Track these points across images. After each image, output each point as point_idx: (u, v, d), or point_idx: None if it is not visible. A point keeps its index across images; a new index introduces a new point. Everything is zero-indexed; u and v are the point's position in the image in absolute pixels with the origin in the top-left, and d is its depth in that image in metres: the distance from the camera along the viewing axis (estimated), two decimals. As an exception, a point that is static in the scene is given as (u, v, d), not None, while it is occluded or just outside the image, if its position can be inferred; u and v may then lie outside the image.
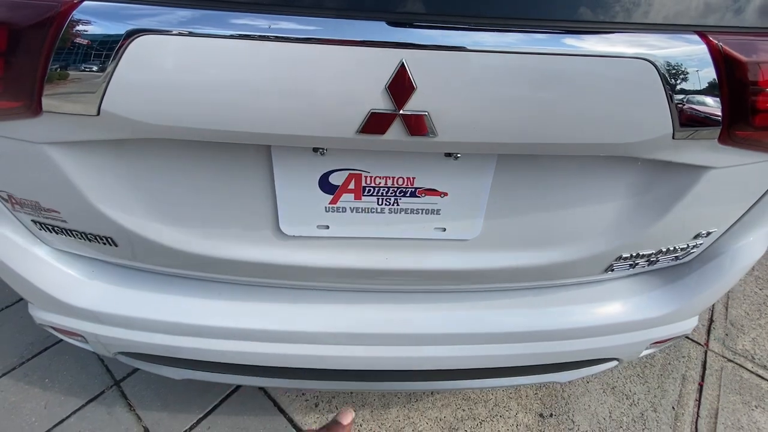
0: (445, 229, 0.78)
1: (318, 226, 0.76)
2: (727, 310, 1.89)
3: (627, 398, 1.52)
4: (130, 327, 0.83)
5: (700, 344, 1.73)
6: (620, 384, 1.56)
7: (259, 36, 0.51)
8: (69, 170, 0.65)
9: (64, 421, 1.34)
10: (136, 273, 0.87)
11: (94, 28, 0.51)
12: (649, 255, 0.84)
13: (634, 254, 0.82)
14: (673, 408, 1.50)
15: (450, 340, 0.85)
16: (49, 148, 0.63)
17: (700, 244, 0.85)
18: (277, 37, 0.51)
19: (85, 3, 0.51)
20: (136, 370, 1.48)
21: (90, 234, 0.76)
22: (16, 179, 0.71)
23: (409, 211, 0.76)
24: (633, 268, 0.87)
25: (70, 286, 0.83)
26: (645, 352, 1.07)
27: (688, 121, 0.58)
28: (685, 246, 0.84)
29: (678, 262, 0.90)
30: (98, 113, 0.55)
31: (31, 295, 0.85)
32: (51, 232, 0.79)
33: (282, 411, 1.40)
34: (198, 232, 0.75)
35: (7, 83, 0.57)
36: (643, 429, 1.43)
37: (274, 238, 0.77)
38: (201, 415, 1.37)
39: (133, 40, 0.50)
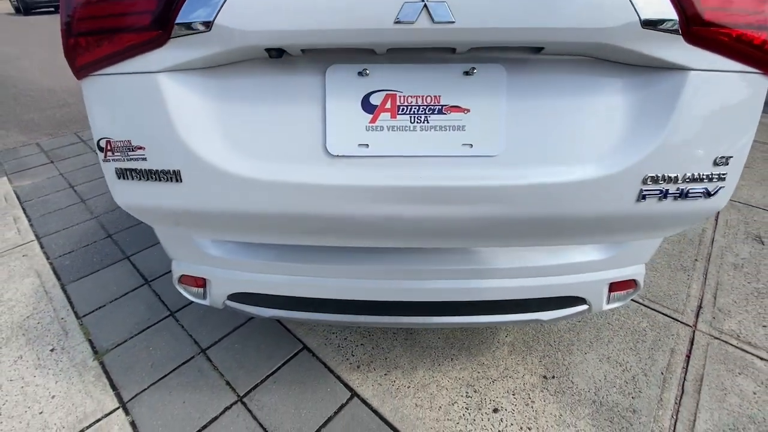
0: (471, 145, 0.90)
1: (359, 145, 0.90)
2: (715, 299, 2.14)
3: (620, 366, 1.78)
4: (244, 269, 1.25)
5: (689, 326, 1.98)
6: (615, 354, 1.83)
7: None
8: (168, 96, 0.85)
9: (168, 374, 1.74)
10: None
11: None
12: (676, 179, 0.90)
13: (660, 176, 0.89)
14: (662, 373, 1.74)
15: (453, 275, 1.22)
16: (159, 76, 0.84)
17: (724, 174, 0.91)
18: None
19: None
20: (220, 340, 1.89)
21: (162, 171, 0.92)
22: (120, 118, 0.90)
23: (437, 128, 0.89)
24: (664, 198, 0.92)
25: (207, 240, 1.27)
26: (612, 305, 1.38)
27: (647, 9, 0.76)
28: (709, 174, 0.90)
29: (709, 199, 0.94)
30: (211, 28, 0.78)
31: (179, 249, 1.29)
32: (128, 179, 0.96)
33: (331, 371, 1.75)
34: (258, 157, 0.91)
35: (154, 16, 0.81)
36: (635, 389, 1.68)
37: (322, 159, 0.91)
38: (269, 373, 1.74)
39: None
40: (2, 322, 2.03)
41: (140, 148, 0.92)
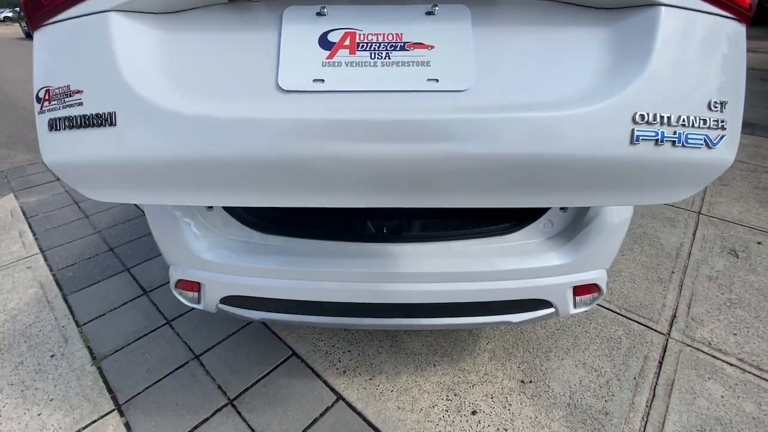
0: (437, 80, 0.86)
1: (314, 80, 0.86)
2: (689, 309, 2.23)
3: (595, 371, 1.86)
4: (235, 273, 1.37)
5: (662, 334, 2.07)
6: (590, 360, 1.91)
7: None
8: (116, 35, 0.83)
9: (163, 378, 1.82)
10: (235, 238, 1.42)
11: None
12: (669, 120, 0.86)
13: (652, 116, 0.85)
14: (634, 378, 1.83)
15: (422, 279, 1.33)
16: (111, 13, 0.84)
17: (723, 122, 0.88)
18: None
19: None
20: (213, 347, 1.97)
21: (97, 115, 0.87)
22: (63, 64, 0.89)
23: (400, 64, 0.86)
24: (661, 143, 0.87)
25: (200, 245, 1.39)
26: (578, 309, 1.49)
27: None
28: (706, 119, 0.87)
29: (712, 150, 0.89)
30: None
31: (176, 254, 1.41)
32: (62, 129, 0.91)
33: (318, 375, 1.83)
34: (204, 95, 0.87)
35: None
36: (608, 392, 1.76)
37: (273, 94, 0.87)
38: (258, 377, 1.82)
39: None
40: (5, 330, 2.12)
41: (78, 92, 0.88)
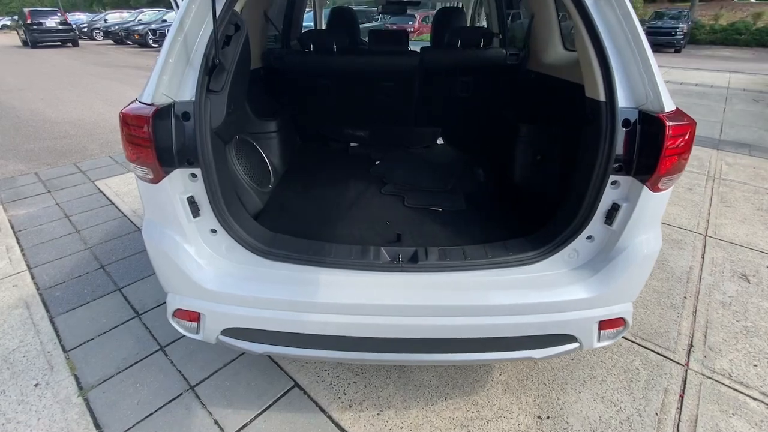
0: None
1: None
2: (705, 337, 2.16)
3: (615, 405, 1.77)
4: (238, 304, 1.27)
5: (681, 364, 1.99)
6: (609, 394, 1.82)
7: None
8: None
9: (155, 412, 1.69)
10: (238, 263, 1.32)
11: None
12: None
13: None
14: (656, 414, 1.73)
15: (439, 312, 1.24)
16: None
17: None
18: None
19: None
20: (210, 376, 1.85)
21: None
22: None
23: None
24: None
25: (201, 273, 1.29)
26: (602, 343, 1.41)
27: None
28: None
29: None
30: None
31: (174, 281, 1.31)
32: None
33: (322, 410, 1.72)
34: None
35: None
36: (630, 430, 1.67)
37: None
38: (258, 412, 1.70)
39: None
40: (-14, 356, 1.98)
41: None
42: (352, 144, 2.78)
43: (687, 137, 1.14)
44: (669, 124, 1.09)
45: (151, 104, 1.14)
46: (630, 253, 1.25)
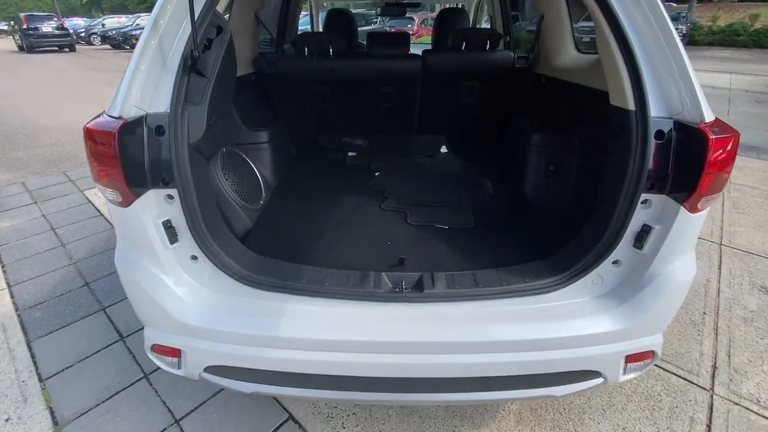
0: None
1: None
2: (729, 358, 2.01)
3: (637, 438, 1.62)
4: (222, 340, 1.13)
5: (705, 389, 1.84)
6: (630, 425, 1.67)
7: None
8: None
9: (132, 454, 1.54)
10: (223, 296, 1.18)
11: None
12: None
13: None
14: (683, 447, 1.59)
15: (450, 349, 1.10)
16: None
17: None
18: None
19: None
20: (197, 408, 1.70)
21: None
22: None
23: None
24: None
25: (181, 306, 1.15)
26: (628, 376, 1.27)
27: None
28: None
29: None
30: None
31: (151, 316, 1.17)
32: None
33: (319, 446, 1.57)
34: None
35: None
36: (656, 466, 1.52)
37: None
38: (249, 449, 1.56)
39: None
40: (-45, 386, 1.83)
41: None
42: (350, 153, 2.62)
43: (730, 150, 1.00)
44: (713, 137, 0.96)
45: (119, 118, 1.00)
46: (663, 282, 1.11)
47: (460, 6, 4.07)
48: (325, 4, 4.25)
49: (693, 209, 1.04)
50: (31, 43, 18.35)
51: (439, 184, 2.23)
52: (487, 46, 2.16)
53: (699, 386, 1.85)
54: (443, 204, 2.03)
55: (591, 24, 1.22)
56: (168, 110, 1.04)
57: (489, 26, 3.74)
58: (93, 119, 1.05)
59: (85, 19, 30.24)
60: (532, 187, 2.00)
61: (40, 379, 1.87)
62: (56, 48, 18.92)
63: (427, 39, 10.80)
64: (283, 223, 1.82)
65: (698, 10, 20.62)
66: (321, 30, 3.53)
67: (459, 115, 2.54)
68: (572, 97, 1.86)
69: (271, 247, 1.47)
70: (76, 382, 1.86)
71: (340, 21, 2.90)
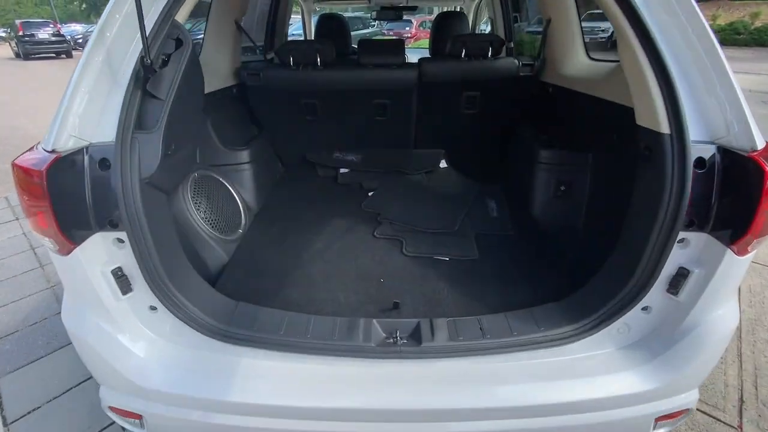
0: None
1: None
2: (756, 389, 1.85)
3: (663, 489, 1.45)
4: (190, 407, 0.96)
5: (733, 427, 1.67)
6: (653, 473, 1.50)
7: None
8: None
9: None
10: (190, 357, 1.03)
11: None
12: None
13: None
14: (714, 500, 1.42)
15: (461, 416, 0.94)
16: None
17: None
18: None
19: None
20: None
21: None
22: None
23: None
24: None
25: (138, 367, 0.99)
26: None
27: None
28: None
29: None
30: None
31: (104, 376, 1.01)
32: None
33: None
34: None
35: None
36: None
37: None
38: None
39: None
40: None
41: None
42: (342, 170, 2.45)
43: None
44: None
45: (52, 151, 0.84)
46: (702, 334, 0.95)
47: (455, 8, 3.92)
48: (317, 9, 4.09)
49: (741, 252, 0.88)
50: (28, 50, 18.24)
51: (439, 206, 2.05)
52: (489, 53, 2.00)
53: (726, 424, 1.68)
54: (443, 231, 1.83)
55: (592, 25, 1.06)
56: (114, 140, 0.88)
57: (489, 28, 3.59)
58: (25, 152, 0.89)
59: (83, 25, 30.18)
60: (540, 209, 1.83)
61: (5, 423, 1.71)
62: (53, 54, 18.79)
63: (425, 42, 10.64)
64: (264, 256, 1.64)
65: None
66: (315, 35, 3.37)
67: (459, 128, 2.37)
68: (584, 110, 1.70)
69: (247, 287, 1.31)
70: (42, 426, 1.69)
71: (332, 27, 2.75)
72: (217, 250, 1.50)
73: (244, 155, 1.91)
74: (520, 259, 1.57)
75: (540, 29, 2.05)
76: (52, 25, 19.50)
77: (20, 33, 18.18)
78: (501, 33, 2.85)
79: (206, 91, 1.75)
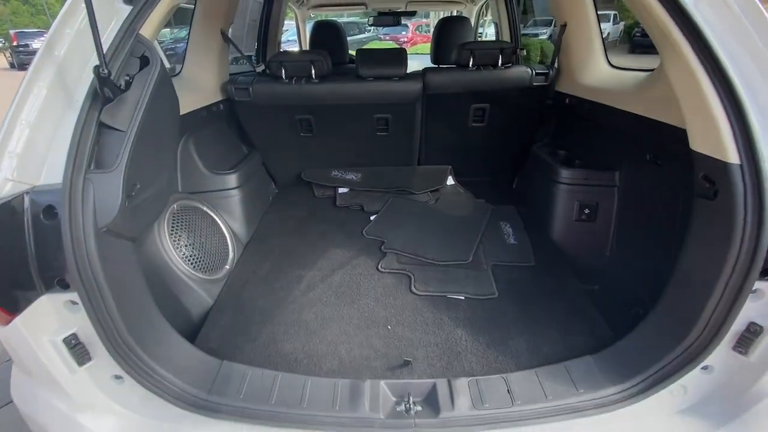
0: None
1: None
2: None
3: None
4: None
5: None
6: None
7: None
8: None
9: None
10: None
11: None
12: None
13: None
14: None
15: None
16: None
17: None
18: None
19: None
20: None
21: None
22: None
23: None
24: None
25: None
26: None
27: None
28: None
29: None
30: None
31: None
32: None
33: None
34: None
35: None
36: None
37: None
38: None
39: None
40: None
41: None
42: (341, 190, 2.28)
43: None
44: None
45: None
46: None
47: (452, 13, 3.78)
48: (312, 15, 3.95)
49: None
50: (22, 60, 18.11)
51: (449, 231, 1.85)
52: (499, 62, 1.85)
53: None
54: (455, 263, 1.63)
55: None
56: (61, 182, 0.72)
57: (487, 33, 3.45)
58: None
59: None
60: (562, 234, 1.67)
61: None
62: (47, 64, 18.67)
63: (422, 47, 10.50)
64: (253, 295, 1.46)
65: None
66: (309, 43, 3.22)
67: (466, 143, 2.21)
68: (608, 124, 1.54)
69: (234, 339, 1.14)
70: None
71: (327, 34, 2.60)
72: (199, 294, 1.33)
73: (232, 180, 1.73)
74: (543, 297, 1.40)
75: (536, 31, 1.92)
76: (46, 35, 19.41)
77: (14, 43, 18.08)
78: (506, 37, 2.71)
79: (190, 109, 1.59)
